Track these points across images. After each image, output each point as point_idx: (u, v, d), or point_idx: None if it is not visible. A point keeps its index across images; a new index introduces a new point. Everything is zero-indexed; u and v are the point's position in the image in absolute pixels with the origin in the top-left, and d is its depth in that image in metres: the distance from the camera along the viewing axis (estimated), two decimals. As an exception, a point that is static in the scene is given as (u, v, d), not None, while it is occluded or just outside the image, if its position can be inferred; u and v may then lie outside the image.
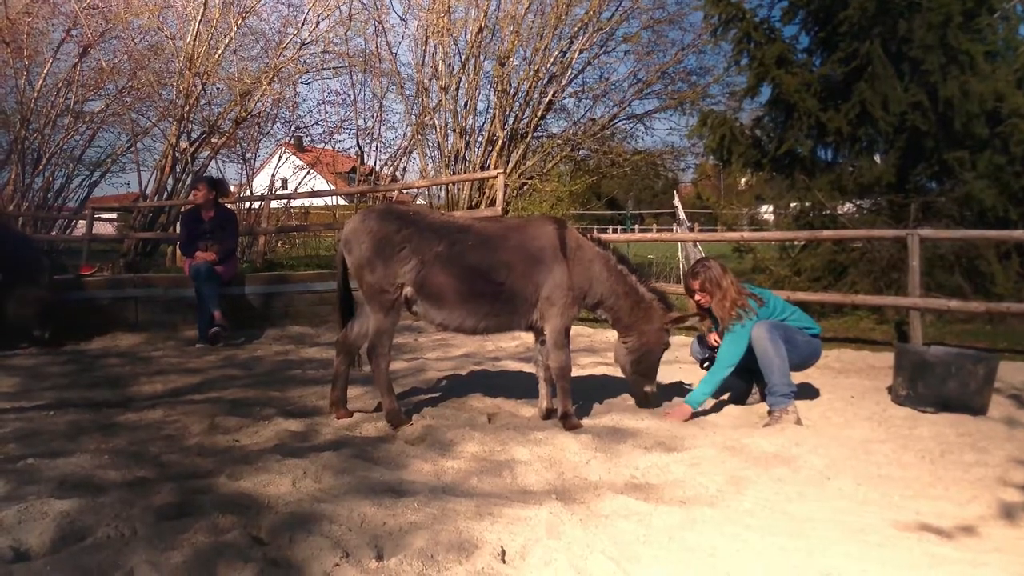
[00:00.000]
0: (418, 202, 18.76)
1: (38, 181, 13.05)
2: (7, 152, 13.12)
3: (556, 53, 13.68)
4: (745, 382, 4.83)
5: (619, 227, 33.98)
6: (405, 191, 14.95)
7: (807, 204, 10.28)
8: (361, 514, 3.03)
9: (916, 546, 2.93)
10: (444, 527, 2.91)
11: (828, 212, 10.05)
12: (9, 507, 3.07)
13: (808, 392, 5.41)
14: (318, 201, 18.20)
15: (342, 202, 18.49)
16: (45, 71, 13.26)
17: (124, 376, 6.24)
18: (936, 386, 4.97)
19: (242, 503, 3.20)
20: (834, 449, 4.09)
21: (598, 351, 7.46)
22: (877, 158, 10.39)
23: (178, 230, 12.01)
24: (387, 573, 2.57)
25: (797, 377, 4.87)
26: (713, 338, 5.04)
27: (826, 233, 8.84)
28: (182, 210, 12.21)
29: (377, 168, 16.10)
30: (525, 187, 14.16)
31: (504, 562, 2.69)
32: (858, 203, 10.31)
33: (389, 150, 15.97)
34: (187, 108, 13.92)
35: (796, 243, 10.53)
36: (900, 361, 5.24)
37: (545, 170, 14.79)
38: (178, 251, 11.71)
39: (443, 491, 3.44)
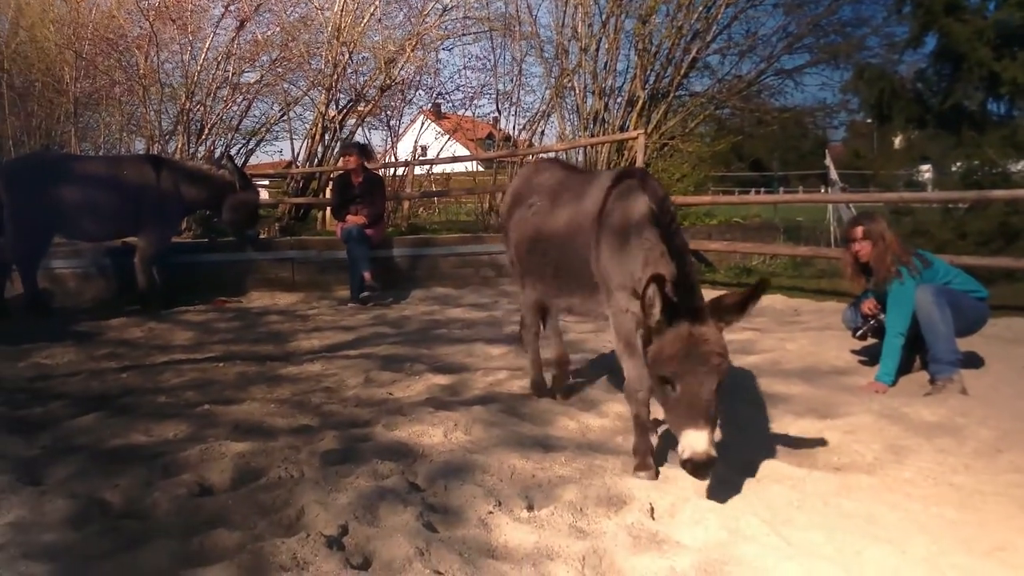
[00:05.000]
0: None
1: (201, 150, 13.91)
2: (174, 123, 14.03)
3: (700, 9, 13.20)
4: (906, 350, 4.59)
5: (763, 189, 32.72)
6: (543, 155, 14.96)
7: (975, 163, 9.54)
8: (511, 466, 3.13)
9: (1101, 524, 2.72)
10: (592, 482, 2.96)
11: (1000, 171, 9.29)
12: (193, 447, 3.36)
13: (974, 362, 5.06)
14: (459, 167, 18.54)
15: (481, 168, 18.77)
16: (207, 46, 14.03)
17: (284, 332, 6.64)
18: (1125, 358, 4.55)
19: (399, 451, 3.36)
20: (1005, 421, 3.82)
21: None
22: (1060, 110, 9.53)
23: (328, 195, 12.56)
24: (538, 523, 2.64)
25: (962, 345, 4.58)
26: (868, 306, 4.81)
27: (997, 193, 8.17)
28: (331, 176, 12.73)
29: (514, 133, 16.16)
30: (666, 147, 13.88)
31: (653, 519, 2.71)
32: (1035, 161, 9.50)
33: (527, 114, 15.92)
34: (335, 77, 14.41)
35: (961, 205, 9.82)
36: (1083, 330, 4.82)
37: (687, 130, 14.41)
38: (329, 215, 12.25)
39: (589, 448, 3.49)
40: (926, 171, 13.33)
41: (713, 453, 2.64)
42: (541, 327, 4.45)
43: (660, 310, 2.71)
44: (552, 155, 15.36)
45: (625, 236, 3.24)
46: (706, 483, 2.88)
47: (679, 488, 2.94)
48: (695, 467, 2.64)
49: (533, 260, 4.00)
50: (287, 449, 3.35)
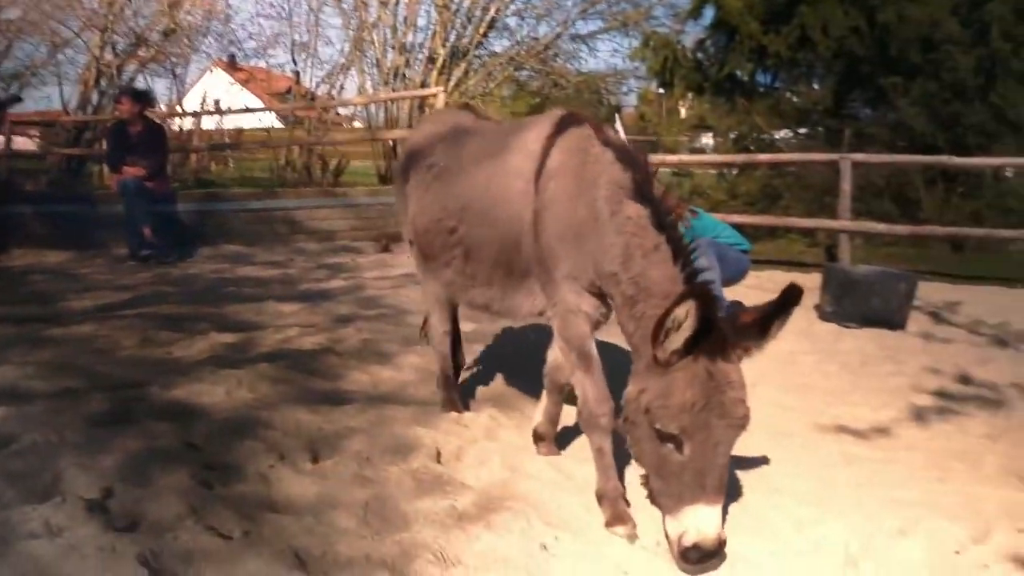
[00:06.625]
0: (355, 124, 18.30)
1: (-51, 93, 12.33)
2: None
3: (499, -32, 13.38)
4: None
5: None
6: (341, 110, 14.59)
7: (745, 129, 10.39)
8: (297, 420, 3.05)
9: (834, 446, 3.11)
10: (381, 432, 2.96)
11: (766, 137, 10.18)
12: (-73, 416, 2.99)
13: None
14: (253, 122, 17.67)
15: (278, 125, 18.01)
16: (-47, -26, 12.41)
17: (51, 292, 6.04)
18: (860, 302, 5.17)
19: (175, 411, 3.18)
20: (761, 360, 4.21)
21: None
22: (815, 83, 10.52)
23: (104, 146, 11.54)
24: (322, 474, 2.60)
25: (727, 294, 5.00)
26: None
27: (762, 157, 8.98)
28: (108, 125, 11.71)
29: (313, 87, 15.61)
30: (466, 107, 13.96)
31: (440, 463, 2.75)
32: (796, 129, 10.46)
33: (326, 67, 15.44)
34: (111, 18, 13.24)
35: (733, 167, 10.67)
36: (828, 279, 5.43)
37: (487, 90, 14.58)
38: (105, 168, 11.28)
39: (380, 399, 3.48)
40: (707, 138, 14.34)
41: (725, 536, 2.03)
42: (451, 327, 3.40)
43: (686, 342, 2.00)
44: (351, 110, 14.98)
45: (587, 208, 2.41)
46: (494, 427, 2.97)
47: (468, 431, 3.01)
48: (702, 556, 2.00)
49: (436, 241, 2.97)
50: (46, 413, 3.06)
